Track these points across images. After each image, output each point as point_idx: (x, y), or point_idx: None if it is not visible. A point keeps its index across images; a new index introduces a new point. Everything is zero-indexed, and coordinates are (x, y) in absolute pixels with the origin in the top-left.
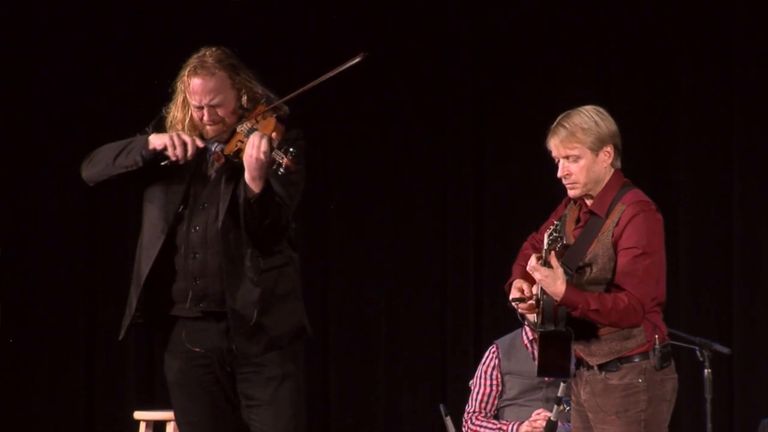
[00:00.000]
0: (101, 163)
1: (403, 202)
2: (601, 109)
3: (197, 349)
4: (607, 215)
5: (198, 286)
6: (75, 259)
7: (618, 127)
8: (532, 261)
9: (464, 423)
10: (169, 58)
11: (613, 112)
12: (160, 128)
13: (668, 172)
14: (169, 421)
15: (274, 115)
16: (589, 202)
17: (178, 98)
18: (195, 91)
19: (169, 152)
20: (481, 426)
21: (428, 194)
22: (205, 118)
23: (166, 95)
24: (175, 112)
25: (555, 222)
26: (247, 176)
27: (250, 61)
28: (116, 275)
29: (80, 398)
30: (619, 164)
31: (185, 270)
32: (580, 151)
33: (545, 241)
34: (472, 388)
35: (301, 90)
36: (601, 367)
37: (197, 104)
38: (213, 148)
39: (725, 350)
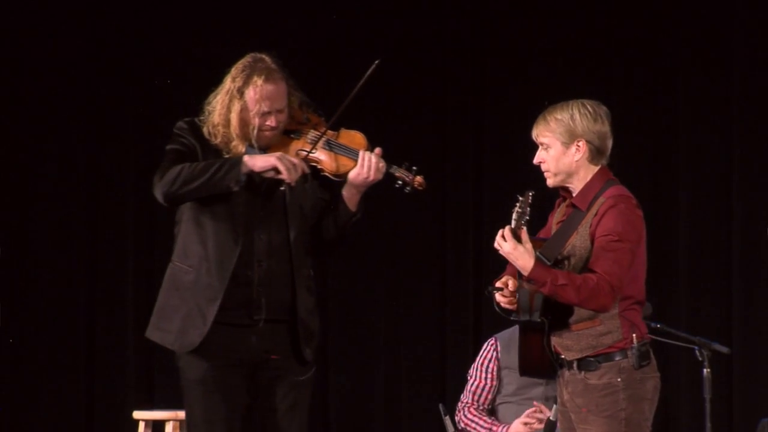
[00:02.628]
0: (194, 183)
1: (403, 201)
2: (590, 106)
3: (273, 357)
4: (588, 209)
5: (261, 294)
6: (75, 259)
7: (614, 127)
8: (505, 231)
9: (457, 412)
10: (169, 59)
11: (613, 112)
12: (199, 138)
13: (668, 172)
14: (168, 420)
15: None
16: (574, 195)
17: (234, 105)
18: (269, 96)
19: (284, 176)
20: (472, 421)
21: (428, 192)
22: (273, 123)
23: (165, 96)
24: (228, 119)
25: (520, 198)
26: (351, 193)
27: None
28: (116, 275)
29: (80, 398)
30: (601, 162)
31: (248, 278)
32: (550, 141)
33: (513, 218)
34: (469, 378)
35: (350, 98)
36: (580, 366)
37: (267, 110)
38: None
39: (724, 350)
